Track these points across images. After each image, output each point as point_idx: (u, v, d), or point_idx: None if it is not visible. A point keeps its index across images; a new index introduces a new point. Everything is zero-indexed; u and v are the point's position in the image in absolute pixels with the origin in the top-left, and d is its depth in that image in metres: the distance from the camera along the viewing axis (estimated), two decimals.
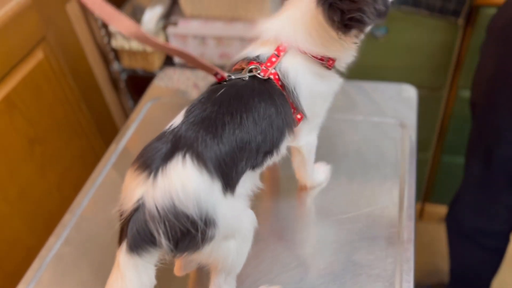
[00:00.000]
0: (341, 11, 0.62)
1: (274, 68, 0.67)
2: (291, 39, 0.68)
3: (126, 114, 1.78)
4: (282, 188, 0.85)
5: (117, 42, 1.53)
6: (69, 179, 1.45)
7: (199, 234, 0.58)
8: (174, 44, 1.56)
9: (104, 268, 0.75)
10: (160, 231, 0.56)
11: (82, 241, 0.81)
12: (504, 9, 0.99)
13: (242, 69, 0.68)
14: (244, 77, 0.65)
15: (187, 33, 1.52)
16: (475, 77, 1.11)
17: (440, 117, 1.49)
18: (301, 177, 0.80)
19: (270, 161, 0.70)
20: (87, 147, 1.54)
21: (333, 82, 0.73)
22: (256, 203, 0.69)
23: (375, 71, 1.34)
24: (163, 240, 0.57)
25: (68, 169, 1.45)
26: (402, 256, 0.69)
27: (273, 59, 0.67)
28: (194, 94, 1.13)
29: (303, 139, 0.75)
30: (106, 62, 1.65)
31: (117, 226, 0.60)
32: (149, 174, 0.57)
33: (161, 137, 0.61)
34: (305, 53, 0.68)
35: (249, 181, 0.67)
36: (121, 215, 0.59)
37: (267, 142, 0.65)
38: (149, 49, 1.52)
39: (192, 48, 1.56)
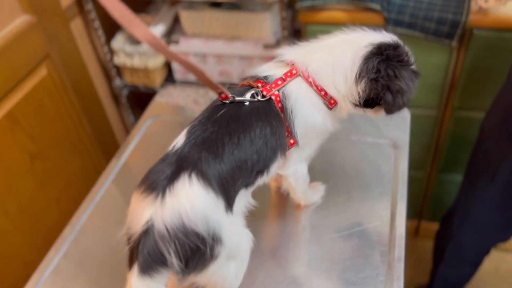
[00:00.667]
0: (388, 75, 0.67)
1: (278, 90, 0.70)
2: (304, 65, 0.71)
3: (127, 130, 1.80)
4: (276, 205, 0.87)
5: (119, 59, 1.57)
6: (69, 195, 1.47)
7: (208, 251, 0.60)
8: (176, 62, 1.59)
9: (102, 283, 0.77)
10: (171, 251, 0.57)
11: (81, 255, 0.82)
12: None
13: (249, 85, 0.71)
14: (245, 102, 0.68)
15: (188, 51, 1.55)
16: (495, 102, 1.13)
17: (435, 136, 1.51)
18: (293, 197, 0.82)
19: (260, 181, 0.72)
20: (87, 163, 1.56)
21: (329, 121, 0.75)
22: (251, 220, 0.71)
23: None
24: (174, 260, 0.58)
25: (68, 184, 1.47)
26: (393, 274, 0.71)
27: (279, 82, 0.70)
28: (194, 111, 1.15)
29: (292, 168, 0.77)
30: (108, 78, 1.68)
31: (125, 249, 0.61)
32: (157, 195, 0.59)
33: (164, 158, 0.63)
34: (311, 83, 0.71)
35: (243, 199, 0.69)
36: (129, 239, 0.60)
37: (260, 161, 0.67)
38: (150, 66, 1.55)
39: None
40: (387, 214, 0.80)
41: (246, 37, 1.50)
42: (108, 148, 1.65)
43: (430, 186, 1.65)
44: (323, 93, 0.71)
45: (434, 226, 1.76)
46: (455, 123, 1.45)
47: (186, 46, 1.54)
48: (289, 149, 0.73)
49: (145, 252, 0.58)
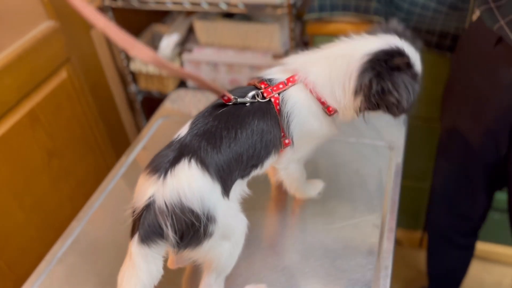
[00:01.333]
0: (382, 88, 0.70)
1: (278, 93, 0.75)
2: (304, 74, 0.76)
3: (139, 130, 1.87)
4: (276, 199, 0.91)
5: (135, 66, 1.65)
6: (81, 192, 1.53)
7: (202, 228, 0.65)
8: (188, 69, 1.66)
9: (105, 273, 0.82)
10: (168, 224, 0.64)
11: (86, 246, 0.87)
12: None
13: (254, 85, 0.77)
14: (246, 103, 0.73)
15: (201, 60, 1.62)
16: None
17: (436, 147, 1.53)
18: (287, 187, 0.87)
19: (255, 173, 0.77)
20: (100, 163, 1.62)
21: (326, 127, 0.79)
22: (250, 211, 0.76)
23: None
24: (170, 232, 0.64)
25: (81, 182, 1.53)
26: (381, 264, 0.75)
27: (281, 86, 0.75)
28: None
29: (284, 164, 0.81)
30: (124, 83, 1.76)
31: (128, 222, 0.67)
32: (160, 175, 0.66)
33: (169, 145, 0.70)
34: (311, 91, 0.75)
35: (238, 188, 0.75)
36: (133, 212, 0.67)
37: (255, 156, 0.73)
38: (164, 73, 1.62)
39: (205, 74, 1.66)
40: (379, 209, 0.84)
41: (256, 47, 1.57)
42: (121, 150, 1.71)
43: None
44: (322, 101, 0.76)
45: None
46: None
47: (199, 55, 1.61)
48: (283, 147, 0.77)
49: (145, 224, 0.64)
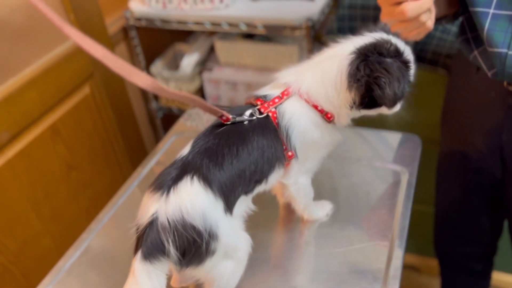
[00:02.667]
0: (370, 69, 0.69)
1: (275, 108, 0.75)
2: (297, 85, 0.76)
3: None
4: (283, 220, 0.91)
5: (168, 87, 1.68)
6: (98, 205, 1.55)
7: (204, 245, 0.65)
8: (208, 87, 1.69)
9: (114, 280, 0.83)
10: (170, 240, 0.64)
11: (98, 253, 0.89)
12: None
13: (250, 103, 0.78)
14: (244, 121, 0.74)
15: (220, 79, 1.64)
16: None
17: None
18: (295, 207, 0.86)
19: (260, 189, 0.77)
20: (118, 177, 1.65)
21: (327, 135, 0.79)
22: (256, 231, 0.75)
23: (378, 123, 1.38)
24: (172, 249, 0.64)
25: (99, 195, 1.56)
26: None
27: (276, 100, 0.76)
28: None
29: (293, 178, 0.81)
30: (146, 100, 1.79)
31: (133, 238, 0.68)
32: (163, 192, 0.67)
33: (172, 164, 0.71)
34: (306, 101, 0.75)
35: (243, 204, 0.75)
36: (137, 229, 0.68)
37: (257, 171, 0.73)
38: (185, 90, 1.65)
39: (224, 92, 1.68)
40: (388, 234, 0.83)
41: (275, 67, 1.58)
42: (139, 161, 1.74)
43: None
44: (319, 108, 0.76)
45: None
46: None
47: (218, 74, 1.64)
48: (288, 160, 0.77)
49: (148, 240, 0.65)
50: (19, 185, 1.26)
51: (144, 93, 1.78)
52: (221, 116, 0.72)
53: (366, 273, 0.76)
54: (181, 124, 1.23)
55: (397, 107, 0.77)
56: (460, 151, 1.10)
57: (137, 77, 0.64)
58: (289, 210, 0.89)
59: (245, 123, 0.74)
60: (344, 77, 0.72)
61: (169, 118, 1.80)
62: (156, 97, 1.76)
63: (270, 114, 0.75)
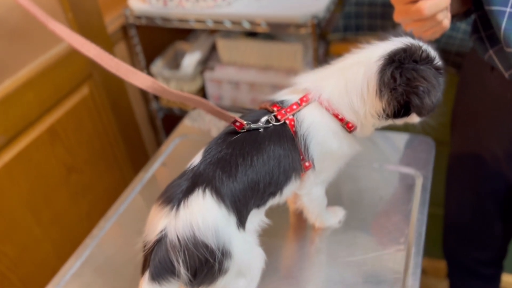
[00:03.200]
0: (407, 78, 0.65)
1: (293, 115, 0.70)
2: (317, 92, 0.71)
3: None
4: (294, 227, 0.87)
5: (170, 88, 1.64)
6: (99, 208, 1.52)
7: (217, 265, 0.61)
8: (210, 87, 1.65)
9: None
10: (180, 260, 0.60)
11: (101, 262, 0.85)
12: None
13: (266, 109, 0.73)
14: (260, 128, 0.69)
15: (223, 78, 1.61)
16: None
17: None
18: (307, 216, 0.83)
19: (273, 201, 0.73)
20: (119, 180, 1.61)
21: (346, 146, 0.74)
22: (265, 238, 0.72)
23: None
24: (182, 270, 0.60)
25: (99, 199, 1.52)
26: None
27: (294, 107, 0.71)
28: None
29: (307, 188, 0.77)
30: (146, 100, 1.76)
31: (137, 247, 0.65)
32: (172, 207, 0.62)
33: (182, 175, 0.67)
34: (327, 108, 0.71)
35: (256, 218, 0.71)
36: (145, 246, 0.63)
37: (272, 183, 0.68)
38: (186, 90, 1.61)
39: (226, 92, 1.64)
40: (404, 242, 0.79)
41: (279, 67, 1.55)
42: (140, 167, 1.70)
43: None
44: (340, 117, 0.71)
45: None
46: None
47: (221, 73, 1.60)
48: (304, 171, 0.73)
49: (156, 260, 0.60)
50: (17, 190, 1.22)
51: (144, 93, 1.74)
52: (234, 122, 0.68)
53: (383, 284, 0.73)
54: (185, 125, 1.19)
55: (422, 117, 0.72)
56: (474, 155, 1.06)
57: (135, 78, 0.60)
58: (300, 216, 0.85)
59: (260, 130, 0.69)
60: (373, 85, 0.68)
61: (170, 119, 1.76)
62: (156, 97, 1.72)
63: (287, 121, 0.70)
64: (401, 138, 1.03)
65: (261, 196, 0.68)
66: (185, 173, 0.66)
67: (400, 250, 0.78)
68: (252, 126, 0.68)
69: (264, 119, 0.69)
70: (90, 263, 0.86)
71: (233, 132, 0.69)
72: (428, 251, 1.73)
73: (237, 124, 0.68)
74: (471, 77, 1.05)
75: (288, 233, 0.86)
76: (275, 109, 0.71)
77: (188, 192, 0.63)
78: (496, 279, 1.36)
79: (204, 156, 0.67)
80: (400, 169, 0.94)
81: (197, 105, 0.65)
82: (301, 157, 0.71)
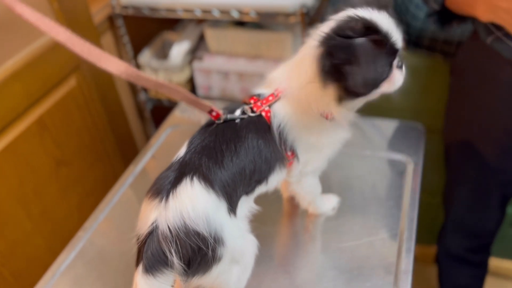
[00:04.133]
0: (333, 60, 0.61)
1: (269, 106, 0.71)
2: (288, 85, 0.71)
3: (148, 140, 1.85)
4: (287, 214, 0.88)
5: (145, 74, 1.62)
6: (89, 201, 1.51)
7: (210, 252, 0.61)
8: (199, 77, 1.64)
9: (112, 284, 0.79)
10: (172, 251, 0.60)
11: (93, 256, 0.85)
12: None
13: (245, 102, 0.73)
14: (236, 119, 0.69)
15: (211, 68, 1.60)
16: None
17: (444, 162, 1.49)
18: (299, 202, 0.83)
19: (261, 189, 0.73)
20: (109, 172, 1.60)
21: (327, 136, 0.73)
22: (258, 225, 0.72)
23: (383, 111, 1.35)
24: (175, 259, 0.60)
25: (89, 192, 1.51)
26: (399, 286, 0.71)
27: (270, 98, 0.71)
28: None
29: (296, 177, 0.77)
30: (134, 92, 1.74)
31: (130, 239, 0.65)
32: (161, 198, 0.62)
33: (169, 167, 0.67)
34: (298, 101, 0.69)
35: (245, 204, 0.71)
36: (137, 239, 0.63)
37: (256, 171, 0.69)
38: (175, 81, 1.60)
39: (215, 82, 1.63)
40: (396, 227, 0.81)
41: (268, 56, 1.54)
42: (130, 158, 1.69)
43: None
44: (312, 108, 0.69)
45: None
46: None
47: (209, 63, 1.59)
48: (288, 161, 0.73)
49: (148, 252, 0.60)
50: (6, 183, 1.21)
51: (132, 84, 1.72)
52: (210, 112, 0.68)
53: (377, 268, 0.74)
54: (175, 116, 1.19)
55: (397, 83, 0.69)
56: (479, 144, 1.04)
57: (108, 63, 0.58)
58: (293, 204, 0.86)
59: (236, 121, 0.69)
60: (318, 75, 0.65)
61: (159, 110, 1.75)
62: (145, 88, 1.71)
63: (263, 113, 0.70)
64: (390, 125, 1.04)
65: (248, 182, 0.69)
66: (172, 164, 0.67)
67: (393, 236, 0.79)
68: (229, 116, 0.69)
69: (239, 110, 0.70)
70: (83, 256, 0.85)
71: (213, 123, 0.69)
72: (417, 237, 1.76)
73: (213, 114, 0.68)
74: (473, 67, 1.02)
75: (282, 220, 0.87)
76: (252, 101, 0.72)
77: (176, 182, 0.63)
78: (484, 264, 1.39)
79: (188, 147, 0.68)
80: (391, 155, 0.96)
81: (172, 93, 0.64)
82: (283, 147, 0.71)
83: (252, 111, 0.70)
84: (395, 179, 0.90)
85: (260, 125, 0.70)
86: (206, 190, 0.63)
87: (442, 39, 1.29)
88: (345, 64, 0.62)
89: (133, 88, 1.73)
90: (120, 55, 1.65)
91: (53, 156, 1.36)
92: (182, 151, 0.68)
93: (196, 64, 1.61)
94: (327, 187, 0.89)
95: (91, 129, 1.51)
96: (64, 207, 1.42)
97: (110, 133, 1.60)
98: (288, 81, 0.71)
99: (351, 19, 0.64)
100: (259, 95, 0.73)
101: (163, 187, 0.63)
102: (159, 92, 1.68)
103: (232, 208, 0.67)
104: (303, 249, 0.80)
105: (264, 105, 0.71)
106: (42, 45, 1.29)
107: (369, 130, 1.03)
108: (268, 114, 0.70)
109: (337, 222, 0.84)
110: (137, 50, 1.64)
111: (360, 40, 0.62)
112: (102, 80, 1.54)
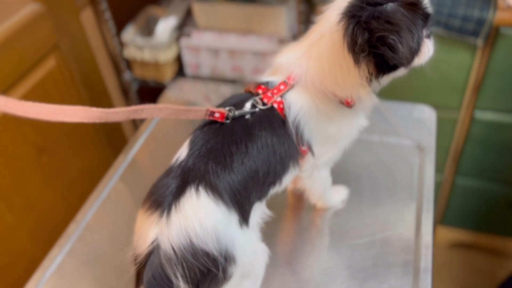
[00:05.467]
0: (369, 30, 0.54)
1: (281, 97, 0.62)
2: (302, 70, 0.62)
3: (136, 126, 1.76)
4: (292, 208, 0.81)
5: (129, 52, 1.53)
6: (76, 191, 1.43)
7: (220, 273, 0.54)
8: (187, 56, 1.54)
9: (107, 282, 0.73)
10: (178, 274, 0.52)
11: (86, 253, 0.78)
12: None
13: (250, 92, 0.65)
14: (245, 114, 0.60)
15: (200, 45, 1.51)
16: None
17: (454, 139, 1.45)
18: (308, 196, 0.76)
19: (273, 191, 0.66)
20: (95, 158, 1.52)
21: (346, 126, 0.66)
22: (264, 223, 0.66)
23: (387, 90, 1.30)
24: (182, 285, 0.53)
25: (75, 180, 1.43)
26: (419, 286, 0.66)
27: (281, 87, 0.62)
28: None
29: (308, 171, 0.70)
30: (118, 71, 1.64)
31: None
32: (162, 212, 0.54)
33: (169, 172, 0.58)
34: (316, 88, 0.61)
35: (258, 211, 0.64)
36: (135, 259, 0.56)
37: (270, 172, 0.61)
38: (161, 60, 1.51)
39: (205, 60, 1.54)
40: (412, 220, 0.75)
41: (261, 31, 1.46)
42: (116, 143, 1.61)
43: (447, 191, 1.59)
44: (334, 93, 0.62)
45: (450, 233, 1.70)
46: (477, 126, 1.39)
47: (198, 40, 1.50)
48: (302, 156, 0.66)
49: (149, 275, 0.53)
50: None
51: (115, 64, 1.62)
52: (212, 115, 0.59)
53: (394, 267, 0.69)
54: (166, 100, 1.10)
55: (429, 54, 0.62)
56: None
57: (65, 115, 0.50)
58: (299, 196, 0.80)
59: (246, 117, 0.61)
60: (344, 53, 0.57)
61: (145, 90, 1.66)
62: (129, 67, 1.61)
63: (275, 105, 0.62)
64: (399, 108, 0.97)
65: (261, 186, 0.61)
66: (171, 169, 0.58)
67: (409, 230, 0.73)
68: (237, 113, 0.60)
69: (249, 103, 0.61)
70: (74, 255, 0.79)
71: (216, 122, 0.60)
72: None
73: (216, 115, 0.59)
74: None
75: (287, 214, 0.80)
76: (260, 91, 0.63)
77: (178, 192, 0.55)
78: None
79: (191, 148, 0.58)
80: (402, 141, 0.89)
81: (154, 113, 0.56)
82: (297, 142, 0.64)
83: (263, 104, 0.62)
84: (406, 167, 0.84)
85: (273, 120, 0.61)
86: (215, 202, 0.55)
87: (447, 12, 1.22)
88: (384, 36, 0.54)
89: (117, 68, 1.63)
90: (102, 33, 1.54)
91: (33, 143, 1.27)
92: (182, 153, 0.59)
93: (184, 41, 1.52)
94: (335, 177, 0.83)
95: None
96: (49, 197, 1.35)
97: None
98: (303, 65, 0.62)
99: None
100: (267, 83, 0.64)
101: (163, 198, 0.55)
102: (145, 71, 1.59)
103: (244, 218, 0.59)
104: (311, 246, 0.74)
105: (275, 96, 0.62)
106: (16, 23, 1.19)
107: (376, 114, 0.96)
108: (281, 106, 0.62)
109: (347, 216, 0.78)
110: (120, 27, 1.53)
111: (393, 6, 0.55)
112: (83, 59, 1.44)
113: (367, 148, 0.89)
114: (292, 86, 0.63)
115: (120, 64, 1.59)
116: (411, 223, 0.74)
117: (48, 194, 1.33)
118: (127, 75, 1.61)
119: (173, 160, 0.59)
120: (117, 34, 1.53)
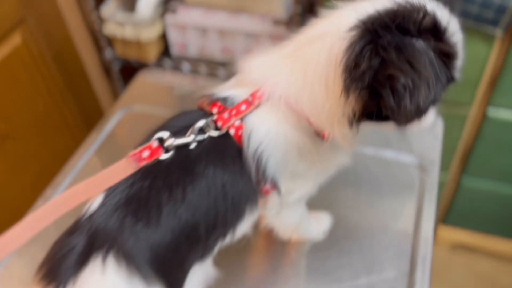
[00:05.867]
0: (381, 59, 0.41)
1: (241, 119, 0.49)
2: (276, 81, 0.49)
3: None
4: (264, 236, 0.69)
5: (110, 28, 1.39)
6: (47, 178, 1.32)
7: None
8: (173, 34, 1.41)
9: None
10: None
11: (54, 233, 0.68)
12: None
13: (202, 109, 0.51)
14: (189, 143, 0.48)
15: (187, 23, 1.37)
16: None
17: (464, 136, 1.33)
18: (278, 235, 0.63)
19: (223, 244, 0.52)
20: (70, 144, 1.41)
21: (321, 163, 0.53)
22: (228, 256, 0.54)
23: None
24: None
25: (47, 167, 1.32)
26: None
27: (243, 107, 0.49)
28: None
29: (274, 210, 0.56)
30: (98, 49, 1.50)
31: None
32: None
33: (73, 228, 0.46)
34: (289, 108, 0.48)
35: (198, 274, 0.51)
36: None
37: (219, 222, 0.48)
38: (144, 38, 1.37)
39: (192, 40, 1.40)
40: (405, 261, 0.63)
41: (254, 10, 1.31)
42: (94, 125, 1.50)
43: (452, 190, 1.49)
44: (308, 120, 0.49)
45: (453, 233, 1.61)
46: (489, 123, 1.26)
47: (184, 17, 1.36)
48: (264, 197, 0.53)
49: None
50: None
51: (95, 40, 1.48)
52: (139, 159, 0.46)
53: None
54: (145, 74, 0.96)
55: (428, 121, 0.49)
56: None
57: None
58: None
59: (191, 147, 0.48)
60: (338, 71, 0.44)
61: (128, 71, 1.52)
62: (110, 44, 1.47)
63: (232, 130, 0.49)
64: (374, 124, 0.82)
65: (203, 243, 0.48)
66: (78, 224, 0.46)
67: (402, 275, 0.61)
68: (176, 142, 0.47)
69: (197, 127, 0.48)
70: (38, 238, 0.68)
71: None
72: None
73: (144, 155, 0.46)
74: None
75: (256, 244, 0.68)
76: (214, 109, 0.50)
77: (79, 262, 0.43)
78: None
79: (107, 195, 0.46)
80: (400, 157, 0.76)
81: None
82: (258, 179, 0.50)
83: (216, 128, 0.49)
84: (404, 191, 0.71)
85: (226, 151, 0.48)
86: (128, 277, 0.42)
87: (497, 4, 1.07)
88: (395, 76, 0.41)
89: (97, 44, 1.49)
90: (80, 6, 1.40)
91: None
92: (96, 202, 0.47)
93: (169, 18, 1.37)
94: (317, 200, 0.70)
95: (44, 96, 1.30)
96: (15, 186, 1.25)
97: (70, 98, 1.39)
98: (279, 74, 0.49)
99: (416, 9, 0.43)
100: (225, 100, 0.51)
101: (60, 269, 0.43)
102: (127, 50, 1.45)
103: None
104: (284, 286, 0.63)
105: (233, 118, 0.49)
106: None
107: None
108: (240, 132, 0.49)
109: (329, 251, 0.65)
110: (99, 0, 1.38)
111: (423, 46, 0.42)
112: (55, 36, 1.31)
113: (359, 164, 0.76)
114: (258, 106, 0.49)
115: (101, 41, 1.45)
116: (404, 266, 0.62)
117: (14, 183, 1.24)
118: (108, 54, 1.47)
119: (84, 209, 0.47)
120: (96, 8, 1.38)
